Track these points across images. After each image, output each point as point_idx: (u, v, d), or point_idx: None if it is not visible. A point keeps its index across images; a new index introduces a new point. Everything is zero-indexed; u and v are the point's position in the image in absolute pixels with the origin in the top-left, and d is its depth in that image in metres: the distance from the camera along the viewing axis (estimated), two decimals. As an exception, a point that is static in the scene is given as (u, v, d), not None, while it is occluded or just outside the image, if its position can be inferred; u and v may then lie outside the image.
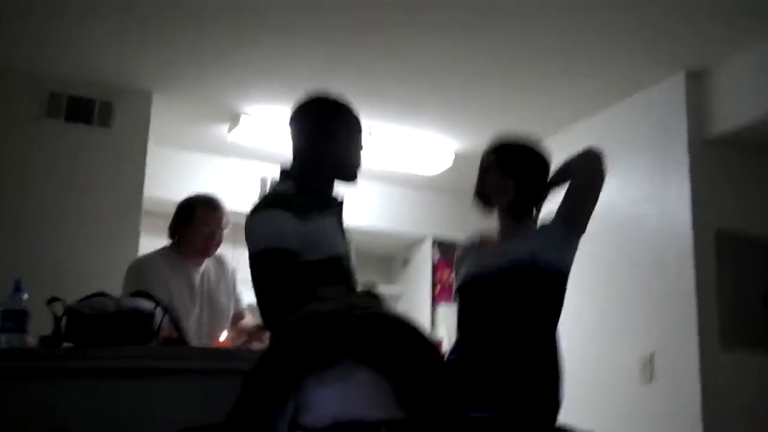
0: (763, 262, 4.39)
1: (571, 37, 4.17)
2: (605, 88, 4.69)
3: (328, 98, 2.74)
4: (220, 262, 3.78)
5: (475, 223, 6.55)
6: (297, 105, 2.74)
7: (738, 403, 4.13)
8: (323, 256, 2.48)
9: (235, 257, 3.97)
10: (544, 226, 2.59)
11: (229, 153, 5.98)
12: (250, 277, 2.49)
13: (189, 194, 3.83)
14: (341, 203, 2.68)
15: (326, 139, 2.63)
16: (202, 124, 5.51)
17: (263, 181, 6.26)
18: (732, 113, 4.27)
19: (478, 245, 2.72)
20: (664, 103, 4.52)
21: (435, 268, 6.83)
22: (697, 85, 4.42)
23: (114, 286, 3.74)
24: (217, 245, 3.69)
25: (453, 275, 2.79)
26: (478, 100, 4.97)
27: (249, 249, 2.48)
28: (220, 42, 4.36)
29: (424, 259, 6.92)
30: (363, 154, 2.71)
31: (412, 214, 6.68)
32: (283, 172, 2.67)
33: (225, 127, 5.50)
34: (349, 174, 2.69)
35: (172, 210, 3.83)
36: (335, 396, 0.77)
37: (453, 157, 5.76)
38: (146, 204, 5.03)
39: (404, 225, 6.72)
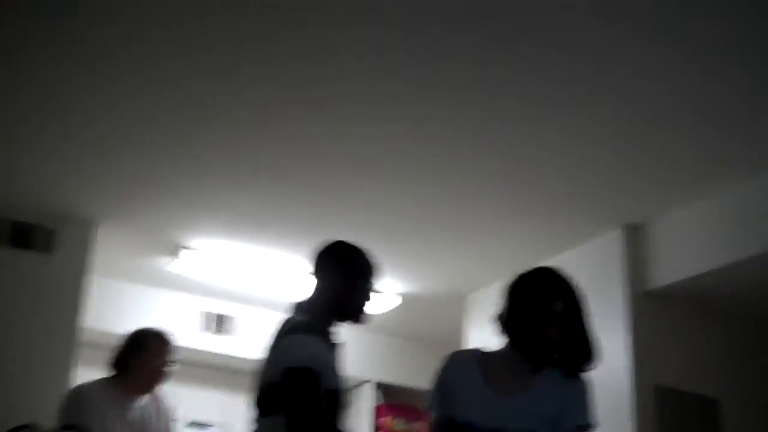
0: (704, 418, 4.40)
1: (513, 190, 4.28)
2: (545, 241, 4.78)
3: (352, 246, 2.99)
4: (158, 400, 3.75)
5: (419, 369, 6.57)
6: (323, 248, 2.97)
7: None
8: (335, 386, 2.72)
9: (176, 394, 3.91)
10: (568, 384, 2.47)
11: (170, 285, 5.93)
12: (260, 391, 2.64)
13: (140, 326, 3.86)
14: (341, 344, 2.90)
15: (349, 287, 2.89)
16: (145, 256, 5.48)
17: (204, 315, 6.20)
18: (670, 268, 4.36)
19: (487, 379, 2.44)
20: (602, 257, 4.61)
21: (376, 413, 6.73)
22: (635, 239, 4.52)
23: (45, 416, 3.64)
24: (165, 380, 3.68)
25: (432, 398, 2.51)
26: (422, 245, 5.03)
27: (286, 364, 2.61)
28: (166, 175, 4.39)
29: (364, 403, 6.82)
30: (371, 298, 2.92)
31: (354, 356, 6.60)
32: (300, 307, 2.86)
33: (168, 260, 5.48)
34: (360, 318, 2.92)
35: (111, 341, 3.80)
36: None
37: (399, 299, 5.78)
38: (85, 335, 4.93)
39: (345, 367, 6.65)
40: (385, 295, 5.73)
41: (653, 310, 4.45)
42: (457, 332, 5.70)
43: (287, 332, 2.74)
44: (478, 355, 2.53)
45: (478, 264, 5.22)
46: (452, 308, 5.77)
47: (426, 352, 6.63)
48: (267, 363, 2.72)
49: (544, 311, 2.43)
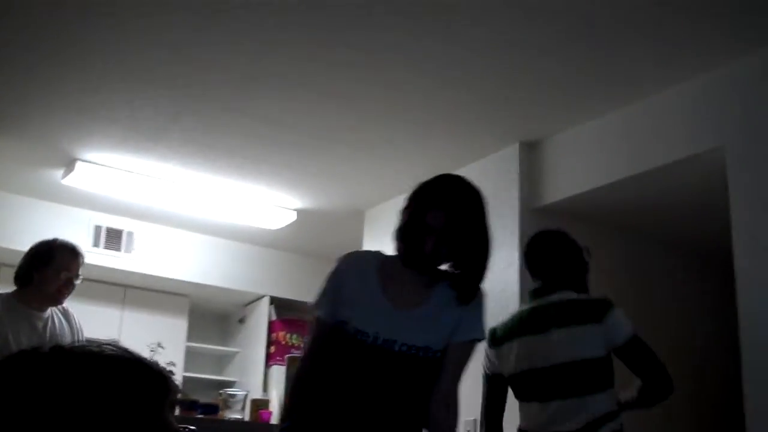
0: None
1: (412, 105, 4.29)
2: (445, 156, 4.83)
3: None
4: (66, 314, 3.70)
5: (316, 285, 6.62)
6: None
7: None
8: None
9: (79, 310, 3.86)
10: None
11: (63, 199, 5.79)
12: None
13: (45, 239, 3.75)
14: None
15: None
16: (37, 168, 5.32)
17: (98, 230, 6.08)
18: (561, 184, 4.47)
19: (385, 290, 2.39)
20: (498, 173, 4.69)
21: (271, 328, 6.78)
22: (531, 156, 4.62)
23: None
24: (70, 293, 3.63)
25: (322, 296, 2.43)
26: (320, 160, 5.02)
27: (628, 334, 3.09)
28: (60, 84, 4.24)
29: (260, 318, 6.86)
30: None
31: (250, 272, 6.62)
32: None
33: (59, 172, 5.33)
34: None
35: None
36: None
37: (295, 214, 5.78)
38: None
39: (242, 282, 6.65)
40: (281, 211, 5.72)
41: (543, 225, 4.56)
42: (356, 248, 5.74)
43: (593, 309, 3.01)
44: (378, 263, 2.43)
45: (378, 179, 5.25)
46: (351, 223, 5.81)
47: (324, 268, 6.68)
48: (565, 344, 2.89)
49: (419, 222, 2.34)
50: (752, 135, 3.60)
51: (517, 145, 4.62)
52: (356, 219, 5.75)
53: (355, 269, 2.41)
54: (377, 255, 2.46)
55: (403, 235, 2.36)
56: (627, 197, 4.38)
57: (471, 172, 4.87)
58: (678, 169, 3.99)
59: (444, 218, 2.33)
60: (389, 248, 5.58)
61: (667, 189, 4.25)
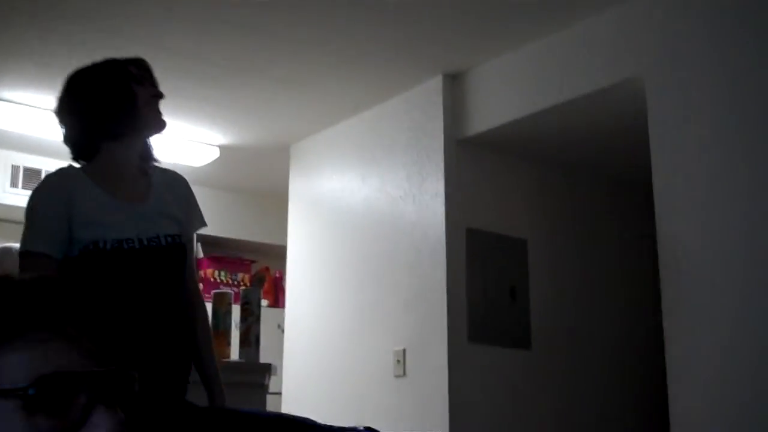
0: (511, 259, 4.65)
1: (334, 38, 4.23)
2: (369, 89, 4.79)
3: None
4: None
5: (243, 221, 6.58)
6: None
7: (483, 394, 4.35)
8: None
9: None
10: (176, 184, 2.50)
11: (-25, 139, 5.61)
12: None
13: None
14: None
15: None
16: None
17: (14, 169, 5.93)
18: (485, 116, 4.48)
19: (110, 192, 2.36)
20: (422, 105, 4.68)
21: (198, 266, 6.72)
22: (454, 87, 4.61)
23: None
24: None
25: (39, 232, 2.29)
26: (242, 94, 4.93)
27: None
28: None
29: (187, 255, 6.80)
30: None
31: (175, 209, 6.54)
32: None
33: (-29, 111, 5.14)
34: None
35: None
36: (31, 359, 0.78)
37: (218, 150, 5.69)
38: None
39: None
40: (204, 147, 5.63)
41: (468, 156, 4.60)
42: (283, 183, 5.71)
43: None
44: (81, 173, 2.38)
45: (301, 113, 5.19)
46: (277, 159, 5.75)
47: (250, 205, 6.65)
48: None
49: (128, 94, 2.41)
50: (670, 64, 3.65)
51: (440, 77, 4.60)
52: (282, 154, 5.69)
53: (65, 191, 2.32)
54: (72, 168, 2.41)
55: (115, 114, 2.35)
56: (550, 128, 4.41)
57: (396, 104, 4.88)
58: (600, 98, 4.03)
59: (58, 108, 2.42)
60: (318, 182, 5.55)
61: (589, 119, 4.29)
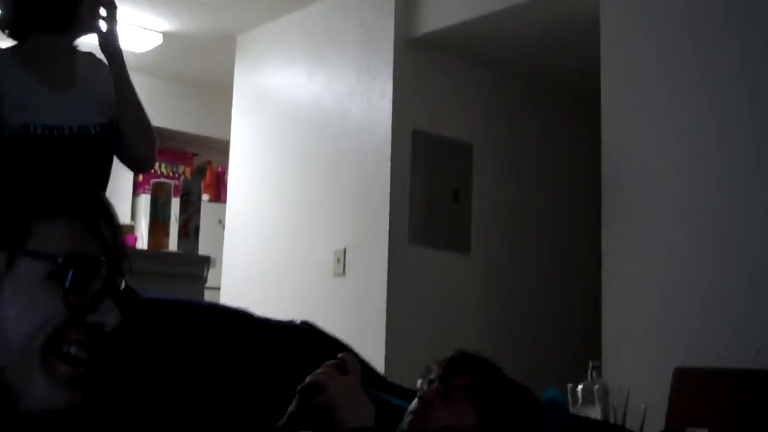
0: (455, 162, 4.65)
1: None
2: (319, -19, 4.67)
3: None
4: None
5: (185, 112, 6.43)
6: None
7: (420, 296, 4.40)
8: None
9: None
10: (100, 66, 2.46)
11: None
12: None
13: None
14: None
15: None
16: None
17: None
18: (437, 15, 4.38)
19: (38, 78, 2.32)
20: (374, 2, 4.57)
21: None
22: (407, -15, 4.52)
23: None
24: None
25: None
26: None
27: None
28: None
29: (127, 146, 6.66)
30: None
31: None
32: None
33: None
34: None
35: None
36: (63, 234, 0.87)
37: (161, 37, 5.51)
38: None
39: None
40: (146, 32, 5.45)
41: (418, 57, 4.53)
42: (227, 75, 5.58)
43: None
44: (9, 56, 2.32)
45: (251, 3, 5.03)
46: (222, 49, 5.60)
47: (193, 96, 6.50)
48: None
49: None
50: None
51: (393, -27, 4.49)
52: (228, 44, 5.54)
53: None
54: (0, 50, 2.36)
55: None
56: (503, 31, 4.35)
57: (346, 0, 4.75)
58: (554, 3, 3.98)
59: None
60: (264, 75, 5.42)
61: (542, 24, 4.25)
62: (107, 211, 0.94)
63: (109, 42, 2.40)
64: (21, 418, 0.85)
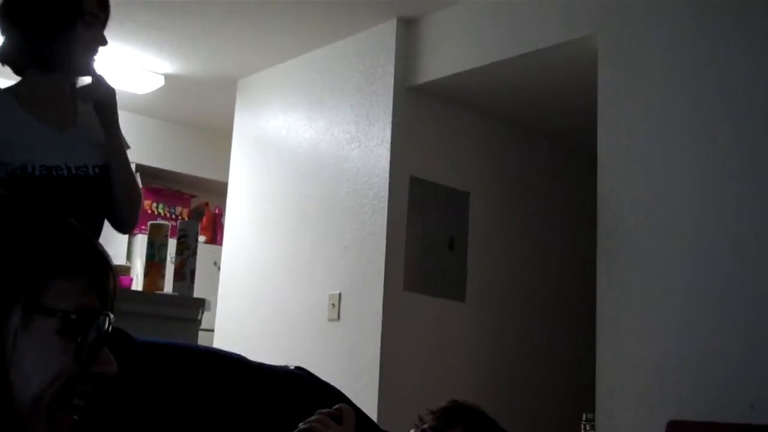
0: (452, 210, 4.66)
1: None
2: (322, 28, 4.71)
3: None
4: None
5: (185, 154, 6.47)
6: None
7: (415, 342, 4.38)
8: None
9: None
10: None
11: None
12: None
13: None
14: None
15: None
16: None
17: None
18: (436, 64, 4.44)
19: (38, 116, 2.30)
20: (374, 49, 4.62)
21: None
22: (407, 33, 4.56)
23: None
24: None
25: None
26: (190, 22, 4.79)
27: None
28: None
29: (125, 185, 6.67)
30: None
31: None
32: None
33: None
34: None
35: None
36: (72, 289, 0.90)
37: (163, 79, 5.56)
38: None
39: (106, 147, 6.43)
40: (149, 74, 5.50)
41: (417, 104, 4.57)
42: (228, 118, 5.62)
43: None
44: (10, 96, 2.31)
45: (252, 48, 5.08)
46: (223, 92, 5.65)
47: (193, 138, 6.53)
48: None
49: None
50: (623, 24, 3.65)
51: (394, 21, 4.54)
52: (228, 88, 5.59)
53: None
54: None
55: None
56: (501, 81, 4.40)
57: (347, 46, 4.81)
58: (553, 54, 4.02)
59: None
60: (264, 119, 5.45)
61: (540, 75, 4.28)
62: (108, 265, 0.97)
63: (100, 92, 2.36)
64: None
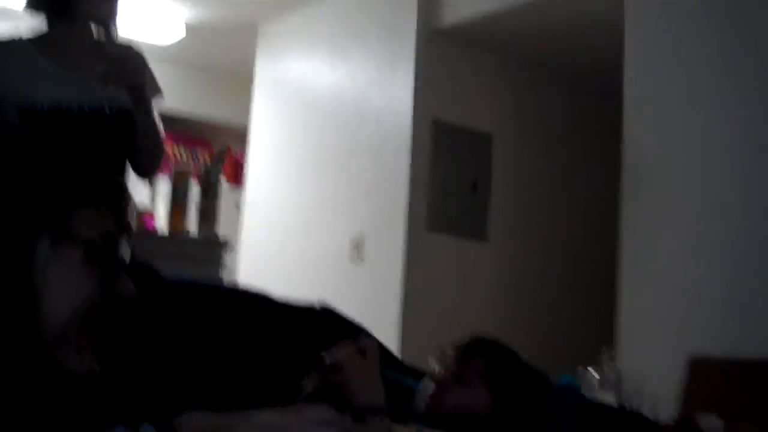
0: (475, 153, 4.66)
1: None
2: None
3: None
4: None
5: (208, 100, 6.46)
6: None
7: (437, 282, 4.41)
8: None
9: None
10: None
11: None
12: None
13: None
14: None
15: None
16: None
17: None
18: (459, 7, 4.39)
19: (54, 59, 2.31)
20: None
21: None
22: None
23: None
24: None
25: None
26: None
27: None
28: None
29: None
30: None
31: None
32: None
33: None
34: None
35: None
36: (94, 217, 0.92)
37: (184, 29, 5.54)
38: None
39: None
40: (170, 25, 5.48)
41: (440, 48, 4.53)
42: (249, 64, 5.60)
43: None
44: (28, 43, 2.32)
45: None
46: (244, 38, 5.62)
47: (214, 83, 6.52)
48: None
49: None
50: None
51: (417, -36, 4.49)
52: (250, 34, 5.56)
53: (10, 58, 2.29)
54: (16, 42, 2.35)
55: None
56: (525, 24, 4.35)
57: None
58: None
59: None
60: (285, 64, 5.42)
61: (565, 18, 4.24)
62: (127, 193, 0.99)
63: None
64: (53, 384, 0.91)
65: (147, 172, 2.48)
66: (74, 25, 2.33)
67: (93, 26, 2.36)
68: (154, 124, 2.41)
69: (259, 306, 1.92)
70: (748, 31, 3.25)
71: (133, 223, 0.99)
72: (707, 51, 3.37)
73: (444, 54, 4.55)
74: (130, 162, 2.43)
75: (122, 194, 0.97)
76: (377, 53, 4.63)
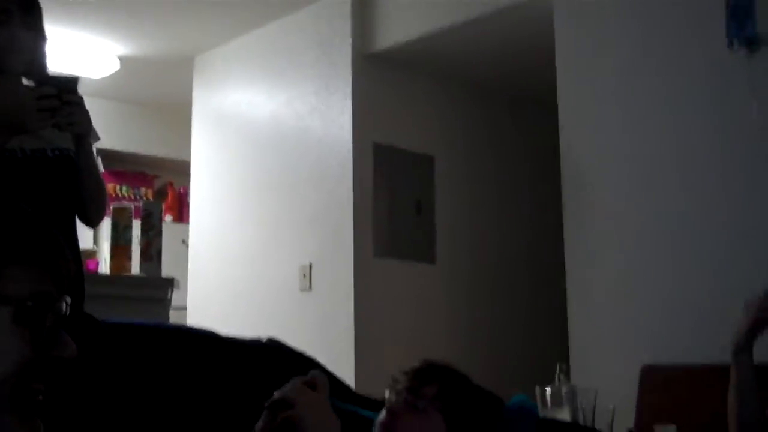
0: (417, 175, 4.67)
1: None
2: (274, 1, 4.67)
3: None
4: None
5: (145, 135, 6.40)
6: None
7: (387, 308, 4.40)
8: None
9: None
10: None
11: None
12: None
13: None
14: None
15: None
16: None
17: None
18: (394, 30, 4.40)
19: None
20: (330, 18, 4.58)
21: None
22: (363, 1, 4.53)
23: None
24: None
25: None
26: (140, 1, 4.73)
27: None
28: None
29: (87, 170, 6.59)
30: None
31: (73, 122, 6.30)
32: None
33: None
34: None
35: None
36: (25, 276, 0.89)
37: (118, 62, 5.48)
38: None
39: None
40: (104, 57, 5.42)
41: (376, 71, 4.55)
42: (186, 96, 5.55)
43: None
44: None
45: (207, 24, 5.02)
46: (180, 71, 5.58)
47: (153, 118, 6.46)
48: None
49: None
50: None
51: (349, -11, 4.50)
52: (185, 66, 5.52)
53: None
54: None
55: None
56: (458, 44, 4.38)
57: (303, 17, 4.76)
58: (508, 16, 4.01)
59: None
60: (223, 95, 5.39)
61: (497, 37, 4.28)
62: (64, 250, 0.96)
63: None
64: None
65: (94, 221, 2.41)
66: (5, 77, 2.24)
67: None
68: (95, 167, 2.36)
69: (205, 344, 1.89)
70: (679, 42, 3.31)
71: (80, 277, 0.96)
72: (639, 59, 3.42)
73: (381, 77, 4.56)
74: (77, 212, 2.36)
75: (60, 251, 0.94)
76: (314, 79, 4.63)
